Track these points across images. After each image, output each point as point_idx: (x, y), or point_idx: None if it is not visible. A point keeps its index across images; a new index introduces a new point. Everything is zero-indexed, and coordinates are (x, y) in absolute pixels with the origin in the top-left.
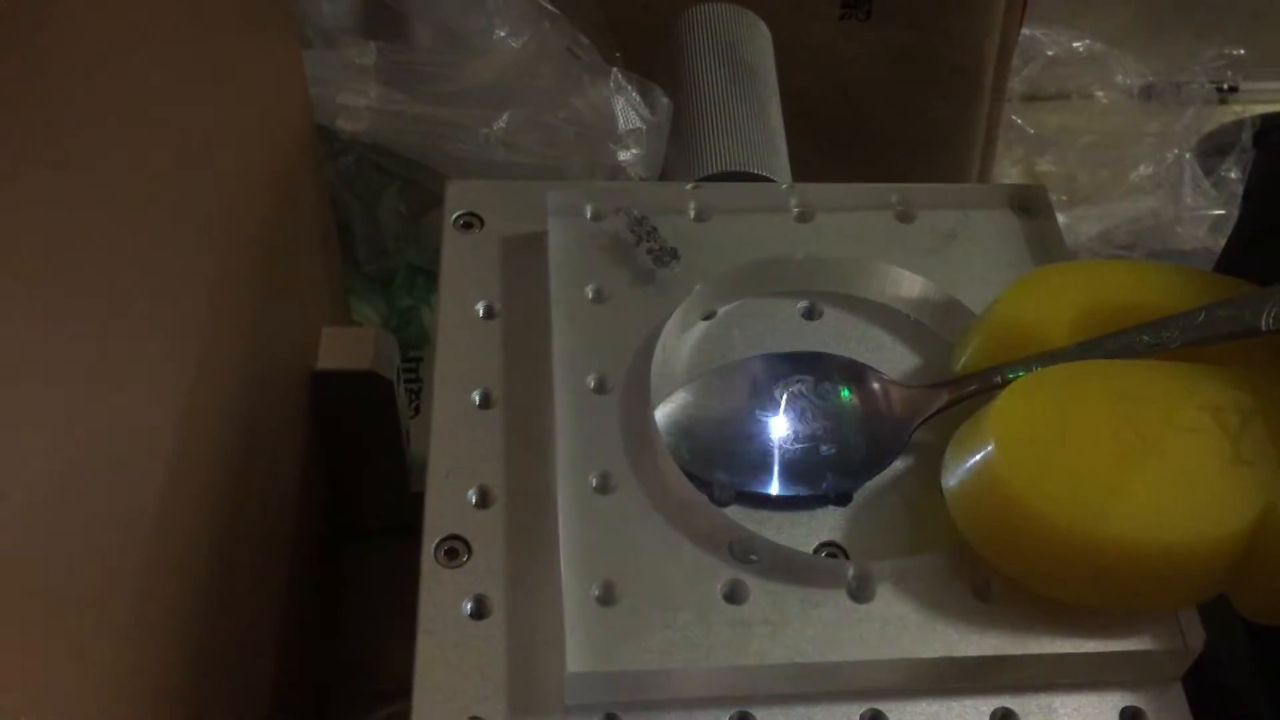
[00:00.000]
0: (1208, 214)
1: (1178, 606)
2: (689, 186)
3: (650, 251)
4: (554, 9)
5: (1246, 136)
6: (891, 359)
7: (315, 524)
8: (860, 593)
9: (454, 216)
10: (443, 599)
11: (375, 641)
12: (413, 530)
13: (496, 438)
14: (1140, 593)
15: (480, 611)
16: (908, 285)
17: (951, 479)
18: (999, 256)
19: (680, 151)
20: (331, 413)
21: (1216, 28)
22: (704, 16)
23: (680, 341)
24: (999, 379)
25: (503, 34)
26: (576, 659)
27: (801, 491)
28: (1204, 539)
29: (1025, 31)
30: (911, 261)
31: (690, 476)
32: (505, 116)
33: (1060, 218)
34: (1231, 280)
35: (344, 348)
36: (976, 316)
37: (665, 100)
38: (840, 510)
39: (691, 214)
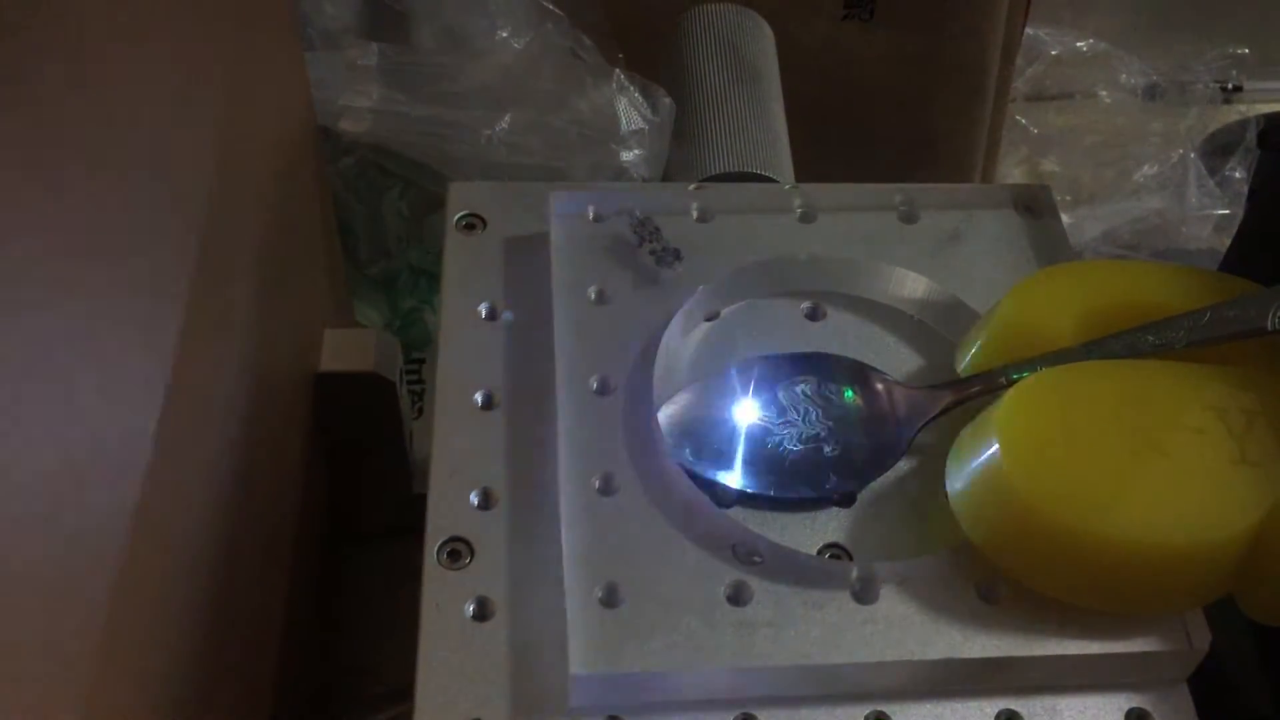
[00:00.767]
0: (1212, 214)
1: (1183, 608)
2: (692, 187)
3: (653, 252)
4: (556, 10)
5: (1251, 136)
6: (895, 360)
7: (317, 525)
8: (864, 594)
9: (456, 218)
10: (445, 601)
11: (377, 643)
12: (415, 531)
13: (499, 439)
14: (1146, 594)
15: (483, 613)
16: (911, 286)
17: (956, 480)
18: (1003, 257)
19: (683, 152)
20: (334, 414)
21: (1220, 27)
22: (706, 17)
23: (683, 343)
24: (1003, 380)
25: (505, 35)
26: (579, 661)
27: (805, 493)
28: (1209, 539)
29: (1029, 31)
30: (915, 262)
31: (693, 478)
32: (507, 118)
33: (1064, 218)
34: (1237, 280)
35: (346, 349)
36: (980, 317)
37: (668, 101)
38: (844, 511)
39: (694, 215)
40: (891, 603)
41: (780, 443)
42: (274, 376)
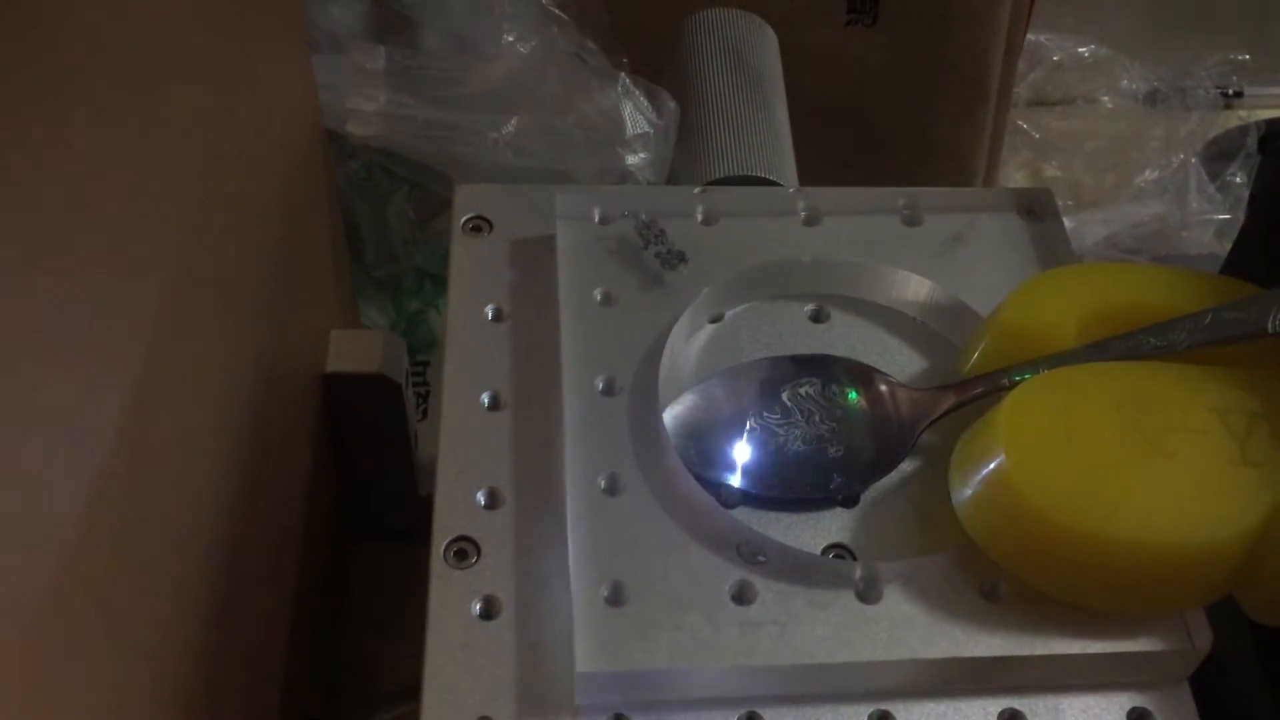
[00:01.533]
0: (1213, 219)
1: (1185, 608)
2: (696, 190)
3: (658, 255)
4: (562, 14)
5: (1252, 141)
6: (898, 362)
7: (324, 525)
8: (868, 594)
9: (463, 220)
10: (452, 600)
11: (384, 642)
12: (422, 531)
13: (505, 439)
14: (1147, 594)
15: (489, 612)
16: (915, 288)
17: (959, 481)
18: (1005, 260)
19: (687, 156)
20: (340, 415)
21: (1221, 33)
22: (711, 21)
23: (688, 344)
24: (1006, 381)
25: (511, 39)
26: (585, 659)
27: (809, 493)
28: (1211, 540)
29: (1030, 37)
30: (918, 265)
31: (698, 478)
32: (513, 121)
33: (1066, 222)
34: (1237, 283)
35: (353, 351)
36: (983, 319)
37: (672, 105)
38: (848, 512)
39: (699, 217)
40: (895, 602)
41: (785, 444)
42: (280, 377)
